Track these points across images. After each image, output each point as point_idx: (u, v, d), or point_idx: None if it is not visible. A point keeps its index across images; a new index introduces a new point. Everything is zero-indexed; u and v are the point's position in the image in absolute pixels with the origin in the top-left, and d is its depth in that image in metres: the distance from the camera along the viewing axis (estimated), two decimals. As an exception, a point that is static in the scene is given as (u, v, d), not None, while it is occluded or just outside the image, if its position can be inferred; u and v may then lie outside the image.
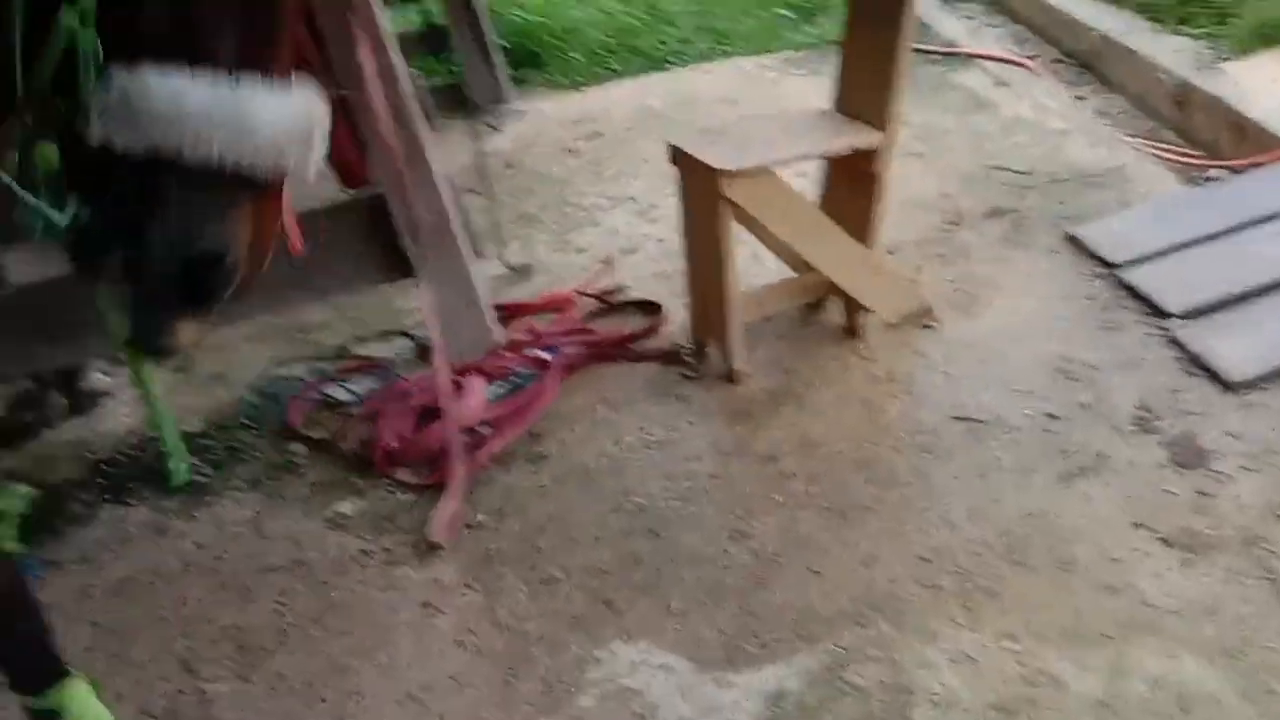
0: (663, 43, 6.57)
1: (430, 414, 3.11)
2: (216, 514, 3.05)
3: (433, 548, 2.73)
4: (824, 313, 3.36)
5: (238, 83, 1.09)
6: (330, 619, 2.59)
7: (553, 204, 4.53)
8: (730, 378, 3.10)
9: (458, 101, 5.58)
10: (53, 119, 1.17)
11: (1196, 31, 4.65)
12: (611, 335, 3.42)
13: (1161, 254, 3.31)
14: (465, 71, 5.60)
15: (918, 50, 5.28)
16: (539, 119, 5.56)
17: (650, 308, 3.57)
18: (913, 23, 2.91)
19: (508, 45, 6.57)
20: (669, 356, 3.28)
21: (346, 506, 2.97)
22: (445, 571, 2.67)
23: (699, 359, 3.24)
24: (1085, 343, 3.03)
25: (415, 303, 3.42)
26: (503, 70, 5.79)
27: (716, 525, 2.62)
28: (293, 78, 1.18)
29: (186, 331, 1.18)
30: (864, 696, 2.14)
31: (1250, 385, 2.77)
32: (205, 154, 1.08)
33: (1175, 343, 2.95)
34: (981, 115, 4.65)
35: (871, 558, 2.45)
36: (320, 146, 1.18)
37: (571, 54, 6.61)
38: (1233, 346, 2.87)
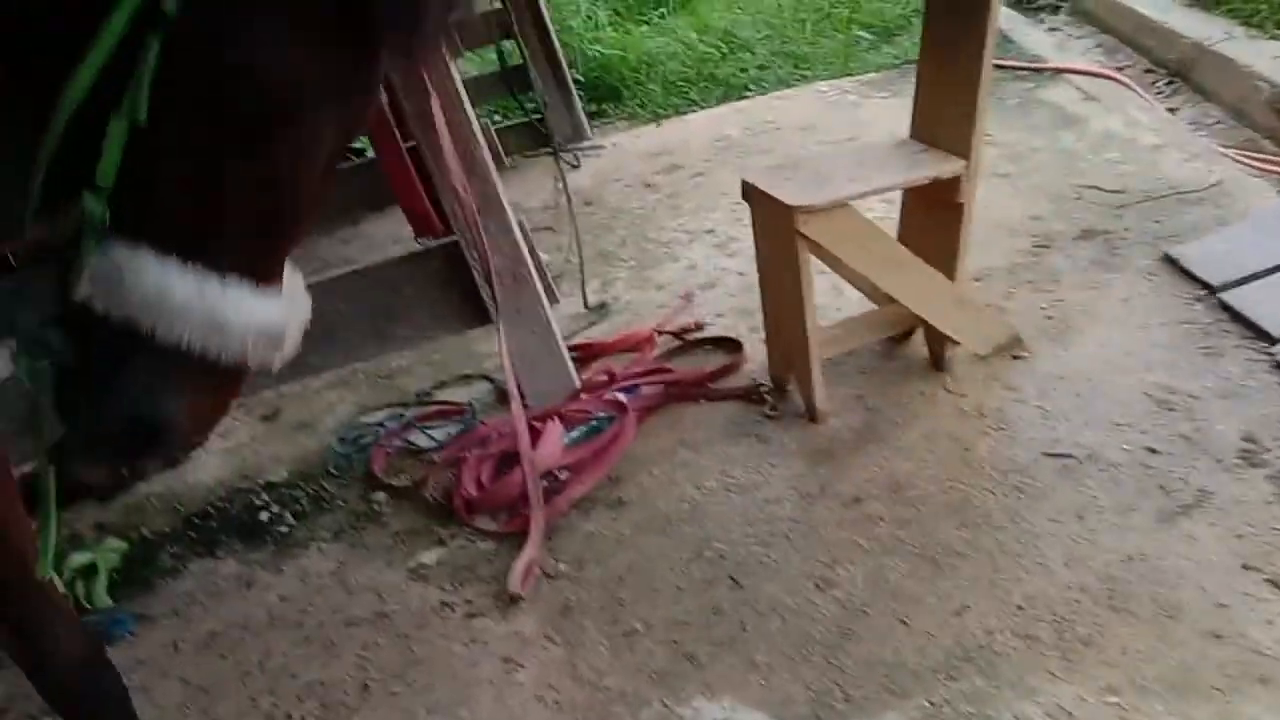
0: (741, 70, 6.54)
1: (510, 460, 3.09)
2: (302, 566, 3.07)
3: (513, 599, 2.70)
4: (909, 346, 3.26)
5: (225, 284, 1.14)
6: (412, 674, 2.58)
7: (631, 240, 4.51)
8: (812, 417, 3.03)
9: (538, 139, 5.64)
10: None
11: (1296, 36, 4.45)
12: (690, 374, 3.36)
13: (1264, 273, 3.13)
14: (545, 109, 5.63)
15: (1002, 66, 5.17)
16: (617, 154, 5.56)
17: (730, 344, 3.51)
18: (994, 42, 2.81)
19: (585, 80, 6.62)
20: (749, 395, 3.21)
21: (429, 556, 2.96)
22: (526, 623, 2.64)
23: (779, 398, 3.17)
24: (1185, 371, 2.88)
25: (495, 346, 3.41)
26: (581, 106, 5.82)
27: (800, 573, 2.54)
28: (281, 283, 1.23)
29: (103, 474, 1.23)
30: (958, 757, 2.05)
31: (1369, 413, 2.60)
32: (175, 339, 1.12)
33: (1282, 368, 2.79)
34: (1070, 132, 4.50)
35: (964, 607, 2.35)
36: (291, 346, 1.24)
37: (649, 85, 6.62)
38: (1348, 372, 2.71)
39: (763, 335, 3.31)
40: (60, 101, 1.08)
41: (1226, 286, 3.13)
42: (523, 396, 3.26)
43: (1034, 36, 5.74)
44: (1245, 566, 2.27)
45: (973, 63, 2.79)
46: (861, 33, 6.43)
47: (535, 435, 3.10)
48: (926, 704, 2.14)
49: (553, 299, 3.23)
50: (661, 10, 7.75)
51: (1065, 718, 2.05)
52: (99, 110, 1.08)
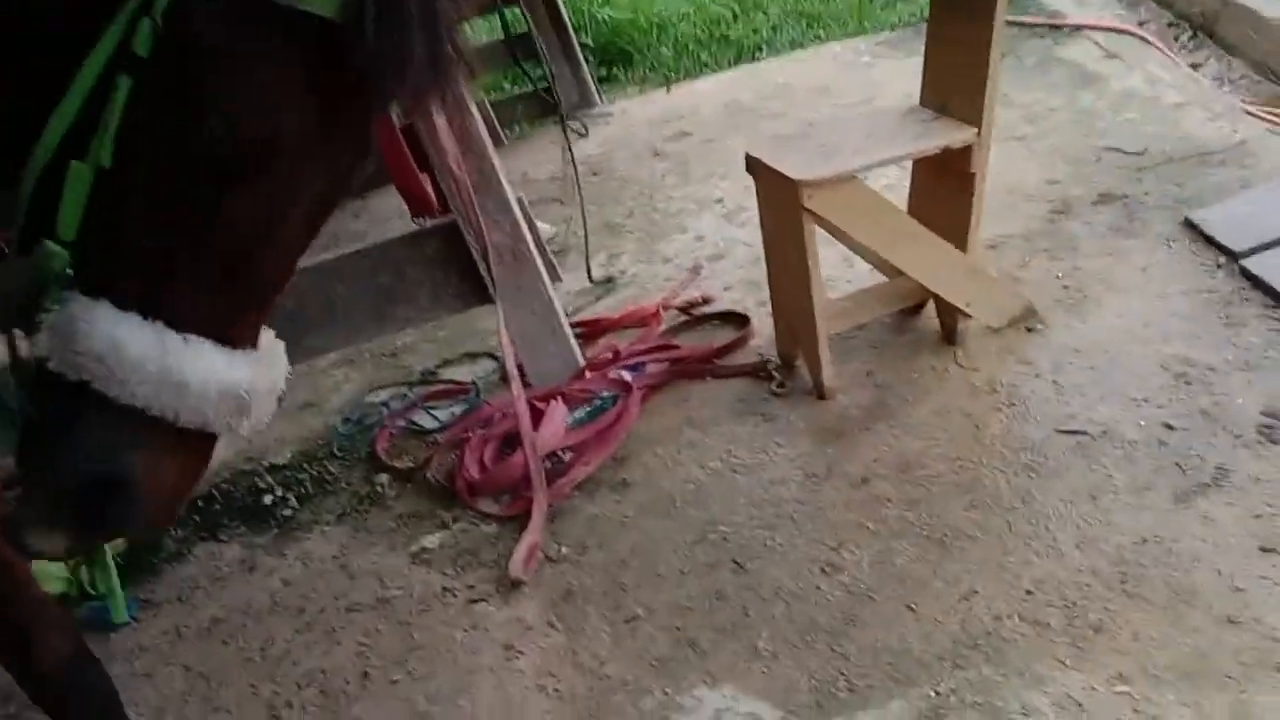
0: (754, 31, 6.42)
1: (514, 440, 3.04)
2: (305, 549, 3.04)
3: (515, 584, 2.66)
4: (920, 319, 3.17)
5: (187, 342, 1.08)
6: (413, 662, 2.55)
7: (639, 210, 4.43)
8: (820, 394, 2.96)
9: (545, 108, 5.54)
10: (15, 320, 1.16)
11: (1326, -14, 4.28)
12: (696, 351, 3.30)
13: (1290, 239, 3.03)
14: (551, 77, 5.53)
15: (1019, 24, 5.03)
16: (626, 120, 5.47)
17: (737, 319, 3.44)
18: (1006, 2, 2.71)
19: (595, 44, 6.50)
20: (756, 372, 3.14)
21: (431, 540, 2.92)
22: (527, 609, 2.60)
23: (787, 374, 3.10)
24: (1205, 342, 2.79)
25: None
26: (589, 73, 5.72)
27: (805, 557, 2.49)
28: (252, 345, 1.17)
29: (62, 542, 1.14)
30: (964, 748, 1.99)
31: (1397, 385, 2.50)
32: (130, 398, 1.07)
33: (1307, 339, 2.70)
34: (1089, 91, 4.37)
35: (971, 591, 2.29)
36: (261, 415, 1.18)
37: (660, 48, 6.51)
38: (1375, 342, 2.61)
39: (770, 308, 3.23)
40: (42, 139, 1.05)
41: (1249, 253, 3.02)
42: (525, 376, 3.21)
43: (1053, -9, 5.58)
44: (1263, 549, 2.20)
45: (984, 24, 2.69)
46: (875, -9, 6.28)
47: (538, 416, 3.05)
48: (932, 694, 2.09)
49: (555, 276, 3.17)
50: (673, -30, 7.62)
51: (1074, 708, 1.99)
52: (65, 155, 1.04)
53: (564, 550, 2.74)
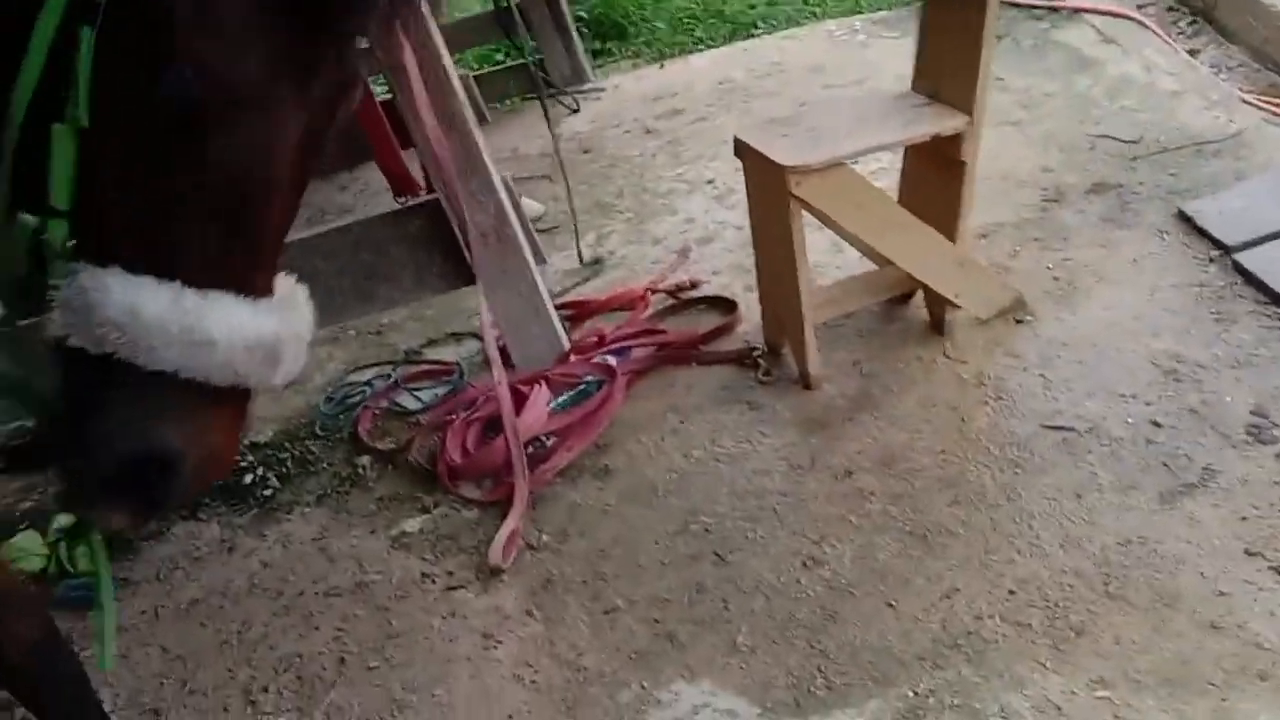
0: (750, 7, 6.34)
1: (497, 424, 3.01)
2: (285, 531, 3.01)
3: (494, 571, 2.64)
4: (909, 308, 3.14)
5: (205, 298, 1.05)
6: (390, 649, 2.53)
7: (629, 190, 4.38)
8: (805, 383, 2.93)
9: (534, 83, 5.47)
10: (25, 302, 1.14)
11: (1328, -27, 4.23)
12: (682, 336, 3.26)
13: (1283, 234, 3.00)
14: (542, 51, 5.46)
15: (1017, 5, 4.97)
16: (618, 97, 5.40)
17: (725, 304, 3.40)
18: (1001, -11, 2.66)
19: (589, 17, 6.42)
20: (742, 359, 3.11)
21: (411, 524, 2.90)
22: (506, 597, 2.58)
23: (773, 362, 3.07)
24: (1195, 338, 2.76)
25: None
26: (581, 48, 5.64)
27: (787, 550, 2.47)
28: (269, 293, 1.14)
29: (120, 521, 1.14)
30: (941, 750, 1.98)
31: (1386, 386, 2.48)
32: (157, 364, 1.04)
33: (1299, 337, 2.67)
34: (1085, 76, 4.32)
35: (953, 589, 2.27)
36: (293, 362, 1.15)
37: (655, 23, 6.44)
38: (1366, 341, 2.58)
39: (758, 294, 3.20)
40: (10, 108, 1.01)
41: (1242, 247, 3.00)
42: (510, 359, 3.18)
43: (1052, -28, 5.51)
44: (1248, 552, 2.18)
45: (978, 9, 2.64)
46: (874, -33, 6.21)
47: (521, 399, 3.02)
48: (910, 694, 2.07)
49: (540, 259, 3.13)
50: (671, -57, 7.52)
51: (1054, 712, 1.98)
52: (42, 118, 1.00)
53: (544, 538, 2.71)
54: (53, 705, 2.00)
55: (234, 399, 1.13)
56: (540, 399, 3.04)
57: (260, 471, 3.27)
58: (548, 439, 3.02)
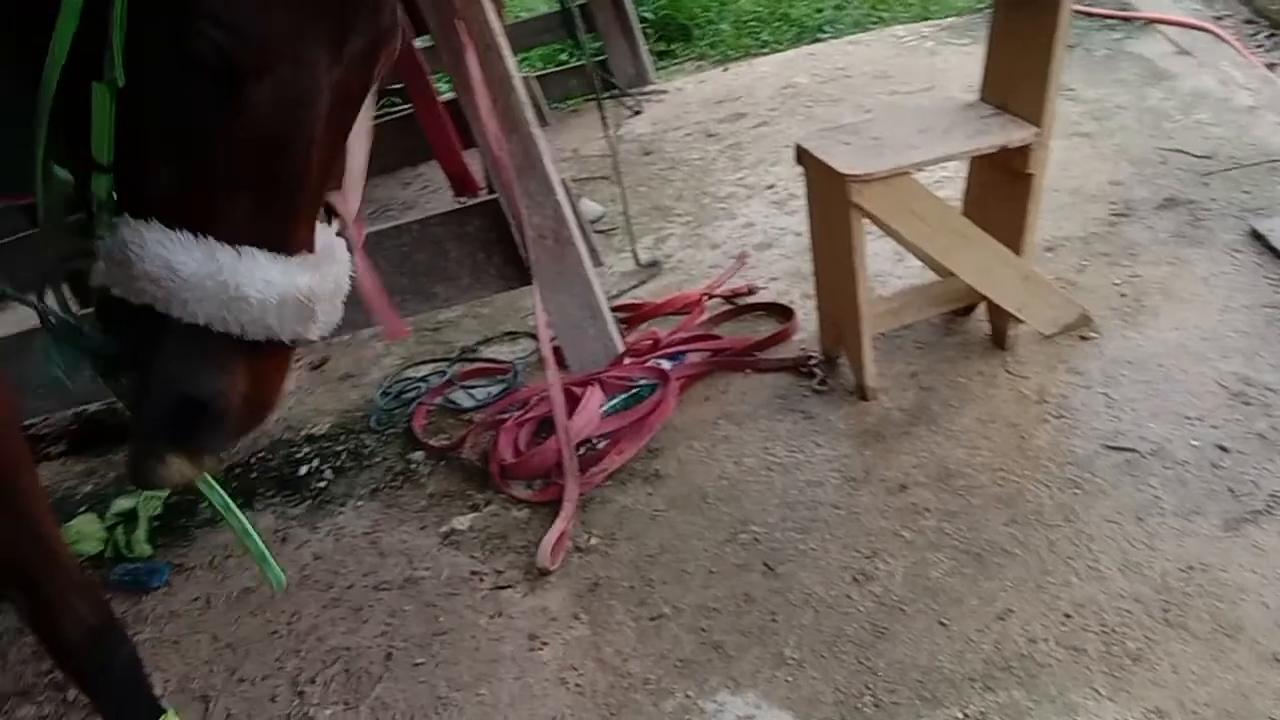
0: (817, 11, 6.31)
1: (549, 425, 3.01)
2: (337, 524, 3.04)
3: (542, 573, 2.63)
4: (970, 321, 3.09)
5: (240, 254, 1.07)
6: (436, 646, 2.53)
7: (689, 193, 4.37)
8: (862, 394, 2.89)
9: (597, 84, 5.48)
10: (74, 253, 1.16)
11: None
12: (737, 343, 3.24)
13: (1363, 255, 2.91)
14: (606, 52, 5.47)
15: (1088, 13, 4.89)
16: (681, 99, 5.39)
17: (781, 311, 3.37)
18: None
19: (654, 18, 6.42)
20: (797, 367, 3.08)
21: (461, 522, 2.90)
22: (553, 599, 2.57)
23: (829, 371, 3.03)
24: (1265, 361, 2.68)
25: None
26: (644, 49, 5.64)
27: (838, 564, 2.43)
28: (308, 249, 1.16)
29: (178, 467, 1.17)
30: (989, 775, 1.94)
31: None
32: (192, 317, 1.07)
33: (1375, 363, 2.59)
34: (1158, 89, 4.22)
35: (1007, 610, 2.22)
36: (327, 318, 1.18)
37: (720, 25, 6.42)
38: None
39: (816, 303, 3.16)
40: (48, 60, 1.02)
41: (1318, 268, 2.91)
42: (564, 361, 3.18)
43: (1126, -19, 5.41)
44: (1316, 584, 2.11)
45: (1050, 17, 2.59)
46: (944, -27, 6.13)
47: (574, 401, 3.02)
48: (960, 715, 2.03)
49: (597, 261, 3.11)
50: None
51: (1107, 740, 1.93)
52: (81, 75, 1.02)
53: (593, 541, 2.71)
54: (107, 687, 2.03)
55: (271, 351, 1.15)
56: (593, 401, 3.03)
57: (315, 463, 3.31)
58: (599, 441, 3.01)
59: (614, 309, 3.40)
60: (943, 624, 2.23)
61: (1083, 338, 2.93)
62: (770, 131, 4.69)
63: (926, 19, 5.65)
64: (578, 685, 2.33)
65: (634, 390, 3.12)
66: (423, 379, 3.60)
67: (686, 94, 5.41)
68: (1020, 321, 2.90)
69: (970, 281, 2.81)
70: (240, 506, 3.19)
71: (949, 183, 3.49)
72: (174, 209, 1.06)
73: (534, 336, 3.63)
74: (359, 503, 3.10)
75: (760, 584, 2.44)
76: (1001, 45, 2.82)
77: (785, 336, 3.22)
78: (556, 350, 3.15)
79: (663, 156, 4.74)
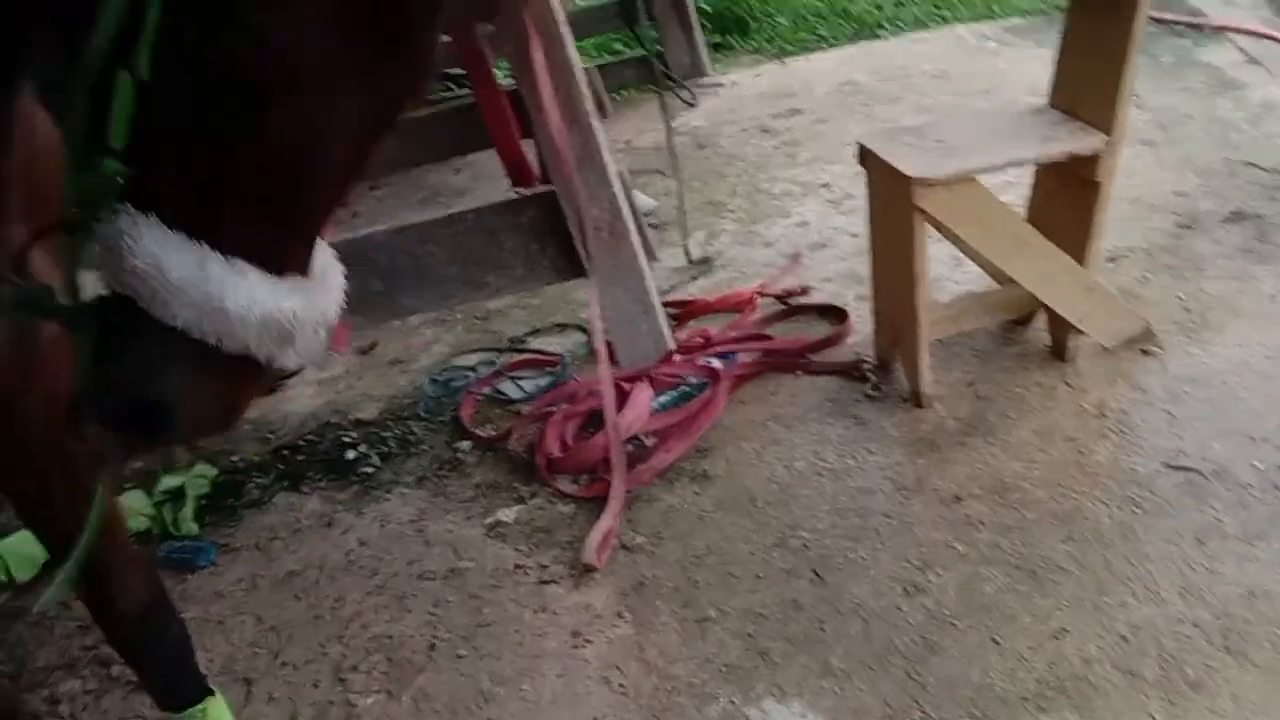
0: (877, 7, 6.24)
1: (597, 419, 3.00)
2: (383, 510, 3.04)
3: (587, 569, 2.62)
4: (1029, 330, 3.04)
5: (230, 266, 1.05)
6: (480, 638, 2.53)
7: (742, 189, 4.33)
8: (916, 401, 2.85)
9: (653, 75, 5.45)
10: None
11: None
12: (790, 344, 3.21)
13: None
14: (663, 43, 5.43)
15: (1157, 20, 4.78)
16: (736, 93, 5.35)
17: (835, 313, 3.33)
18: (1148, 5, 2.55)
19: (711, 9, 6.37)
20: (850, 371, 3.04)
21: (507, 514, 2.89)
22: (597, 596, 2.56)
23: (882, 376, 3.00)
24: (1337, 383, 2.62)
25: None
26: (702, 41, 5.60)
27: (888, 574, 2.40)
28: (302, 272, 1.14)
29: (108, 445, 1.16)
30: (1040, 798, 1.90)
31: None
32: (171, 320, 1.05)
33: None
34: (1227, 99, 4.13)
35: (1062, 630, 2.18)
36: (308, 344, 1.14)
37: (778, 19, 6.36)
38: None
39: (871, 306, 3.12)
40: (90, 44, 1.00)
41: (1391, 288, 2.83)
42: (614, 356, 3.16)
43: (1197, -13, 5.30)
44: (1385, 616, 2.05)
45: (1124, 24, 2.54)
46: (1009, -28, 6.03)
47: (623, 397, 3.00)
48: (1011, 736, 2.00)
49: (651, 256, 3.09)
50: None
51: (1163, 769, 1.88)
52: (113, 63, 1.00)
53: (639, 539, 2.69)
54: (156, 664, 2.04)
55: (243, 366, 1.12)
56: (642, 398, 3.01)
57: (363, 448, 3.31)
58: (647, 438, 2.99)
59: (665, 305, 3.37)
60: (995, 641, 2.19)
61: (1145, 352, 2.88)
62: (827, 129, 4.64)
63: (989, 19, 5.57)
64: (621, 686, 2.31)
65: (683, 388, 3.10)
66: (471, 368, 3.59)
67: (742, 87, 5.36)
68: (1081, 333, 2.85)
69: (1032, 290, 2.76)
70: (286, 489, 3.24)
71: (1009, 188, 3.43)
72: (175, 209, 1.05)
73: (582, 329, 3.62)
74: (405, 490, 3.10)
75: (808, 591, 2.41)
76: (1073, 51, 2.76)
77: (839, 339, 3.18)
78: (607, 345, 3.13)
79: (717, 151, 4.70)
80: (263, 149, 1.02)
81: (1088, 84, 2.69)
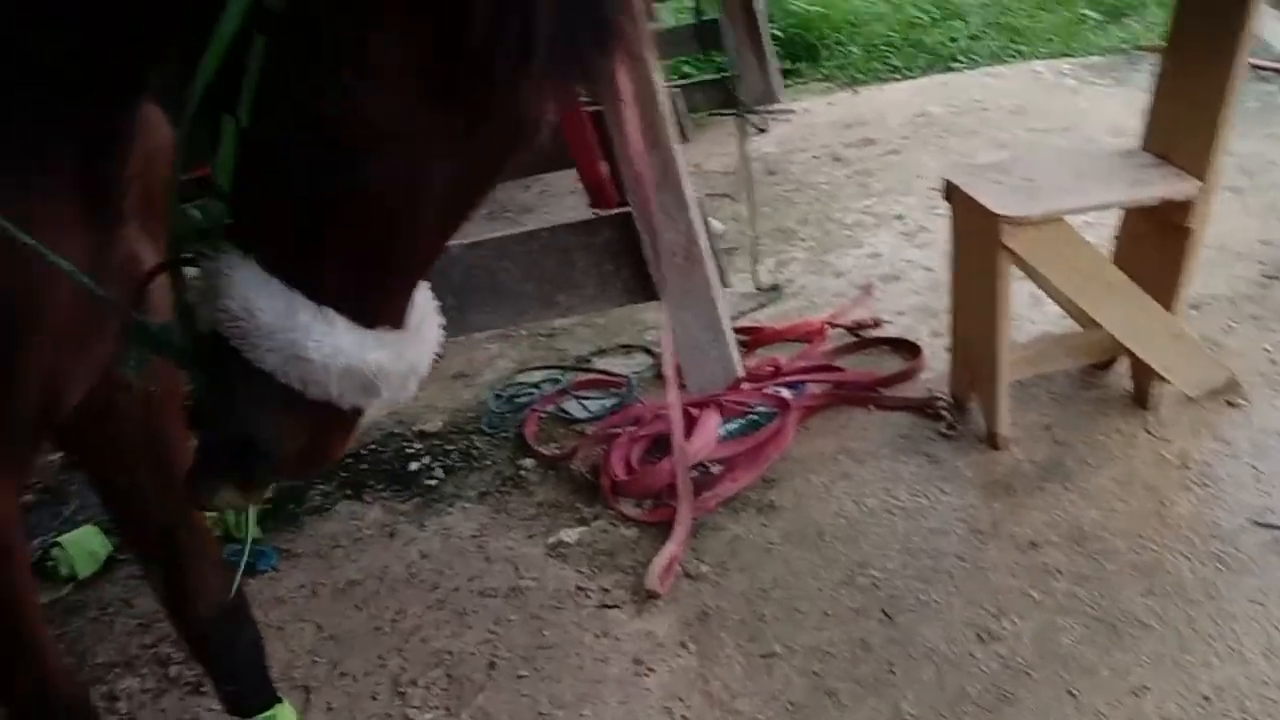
0: (951, 39, 6.19)
1: (662, 443, 2.98)
2: (445, 524, 3.03)
3: (650, 596, 2.59)
4: (1110, 375, 2.97)
5: (319, 315, 1.06)
6: (540, 660, 2.50)
7: (813, 218, 4.30)
8: (992, 442, 2.80)
9: (725, 98, 5.44)
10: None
11: None
12: (861, 377, 3.17)
13: None
14: (737, 68, 5.42)
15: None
16: (808, 120, 5.33)
17: (908, 348, 3.29)
18: (1249, 44, 2.50)
19: (782, 35, 6.36)
20: (924, 408, 3.00)
21: (569, 534, 2.87)
22: (660, 624, 2.53)
23: (957, 415, 2.94)
24: None
25: (659, 319, 3.29)
26: (775, 67, 5.59)
27: (961, 619, 2.35)
28: (395, 324, 1.14)
29: (226, 495, 1.18)
30: None
31: None
32: (260, 363, 1.07)
33: None
34: (1316, 146, 4.05)
35: (1142, 686, 2.11)
36: (394, 394, 1.15)
37: (850, 47, 6.34)
38: None
39: (946, 341, 3.08)
40: (192, 85, 1.03)
41: None
42: (682, 380, 3.14)
43: (1284, 31, 5.20)
44: None
45: (1223, 69, 2.49)
46: (1088, 10, 5.98)
47: (690, 423, 2.97)
48: (1087, 795, 1.94)
49: (724, 282, 3.07)
50: (872, -32, 7.40)
51: (1246, 839, 1.82)
52: (216, 104, 1.03)
53: (703, 568, 2.65)
54: (230, 668, 2.04)
55: (329, 412, 1.13)
56: (710, 424, 2.99)
57: (426, 460, 3.31)
58: (713, 466, 2.96)
59: (733, 331, 3.35)
60: (1072, 694, 2.13)
61: (1229, 403, 2.81)
62: (901, 160, 4.60)
63: (1067, 56, 5.50)
64: (684, 718, 2.28)
65: (752, 416, 3.07)
66: (536, 385, 3.59)
67: (814, 115, 5.34)
68: (1164, 381, 2.78)
69: (1117, 335, 2.71)
70: (349, 497, 3.24)
71: (1088, 228, 3.37)
72: (272, 255, 1.06)
73: (648, 351, 3.61)
74: (467, 504, 3.09)
75: (878, 632, 2.36)
76: (1168, 95, 2.71)
77: (911, 375, 3.14)
78: (676, 369, 3.11)
79: (788, 177, 4.68)
80: (355, 203, 1.03)
81: (1182, 129, 2.64)
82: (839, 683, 2.26)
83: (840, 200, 4.38)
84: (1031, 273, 2.76)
